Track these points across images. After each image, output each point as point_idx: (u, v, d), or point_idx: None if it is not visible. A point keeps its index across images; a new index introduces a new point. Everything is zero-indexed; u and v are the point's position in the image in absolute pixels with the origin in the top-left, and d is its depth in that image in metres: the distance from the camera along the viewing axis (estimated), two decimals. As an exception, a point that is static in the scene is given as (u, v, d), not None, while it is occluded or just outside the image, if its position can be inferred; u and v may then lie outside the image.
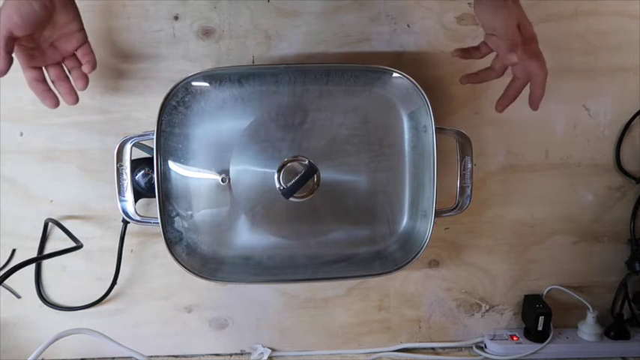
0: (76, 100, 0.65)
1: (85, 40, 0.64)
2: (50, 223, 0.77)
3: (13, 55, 0.58)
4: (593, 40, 0.75)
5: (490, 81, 0.69)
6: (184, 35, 0.73)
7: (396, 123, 0.70)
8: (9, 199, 0.77)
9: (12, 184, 0.76)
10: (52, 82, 0.64)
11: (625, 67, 0.76)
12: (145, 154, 0.71)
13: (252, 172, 0.68)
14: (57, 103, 0.63)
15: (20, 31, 0.57)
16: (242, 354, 0.84)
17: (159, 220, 0.64)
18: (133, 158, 0.66)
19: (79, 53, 0.64)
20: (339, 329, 0.84)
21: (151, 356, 0.81)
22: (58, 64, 0.64)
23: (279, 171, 0.68)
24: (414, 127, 0.69)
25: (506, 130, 0.77)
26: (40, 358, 0.70)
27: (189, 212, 0.68)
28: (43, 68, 0.63)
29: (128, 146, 0.66)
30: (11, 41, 0.57)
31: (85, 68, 0.64)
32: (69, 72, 0.65)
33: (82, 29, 0.63)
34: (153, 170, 0.64)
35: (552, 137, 0.78)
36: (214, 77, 0.67)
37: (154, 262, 0.79)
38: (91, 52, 0.65)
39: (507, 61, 0.64)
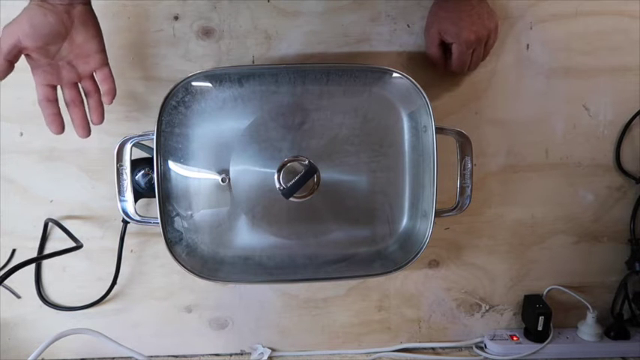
0: (88, 133, 0.63)
1: (104, 63, 0.62)
2: (50, 223, 0.77)
3: (18, 66, 0.56)
4: (593, 40, 0.75)
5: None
6: (184, 35, 0.73)
7: (396, 123, 0.70)
8: (9, 199, 0.77)
9: (12, 184, 0.76)
10: (67, 104, 0.62)
11: (625, 67, 0.76)
12: (145, 154, 0.71)
13: (252, 172, 0.68)
14: (61, 131, 0.61)
15: (29, 41, 0.55)
16: (242, 354, 0.84)
17: (159, 220, 0.64)
18: (133, 158, 0.66)
19: (97, 76, 0.62)
20: (339, 329, 0.84)
21: (151, 356, 0.81)
22: (75, 85, 0.61)
23: (279, 171, 0.67)
24: (414, 127, 0.69)
25: (506, 130, 0.77)
26: (40, 358, 0.70)
27: (189, 212, 0.68)
28: (59, 88, 0.61)
29: (128, 146, 0.66)
30: (16, 49, 0.55)
31: (105, 99, 0.62)
32: (85, 96, 0.63)
33: (102, 50, 0.61)
34: (153, 170, 0.64)
35: (552, 137, 0.78)
36: (214, 77, 0.67)
37: (154, 262, 0.79)
38: (111, 76, 0.62)
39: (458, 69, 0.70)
